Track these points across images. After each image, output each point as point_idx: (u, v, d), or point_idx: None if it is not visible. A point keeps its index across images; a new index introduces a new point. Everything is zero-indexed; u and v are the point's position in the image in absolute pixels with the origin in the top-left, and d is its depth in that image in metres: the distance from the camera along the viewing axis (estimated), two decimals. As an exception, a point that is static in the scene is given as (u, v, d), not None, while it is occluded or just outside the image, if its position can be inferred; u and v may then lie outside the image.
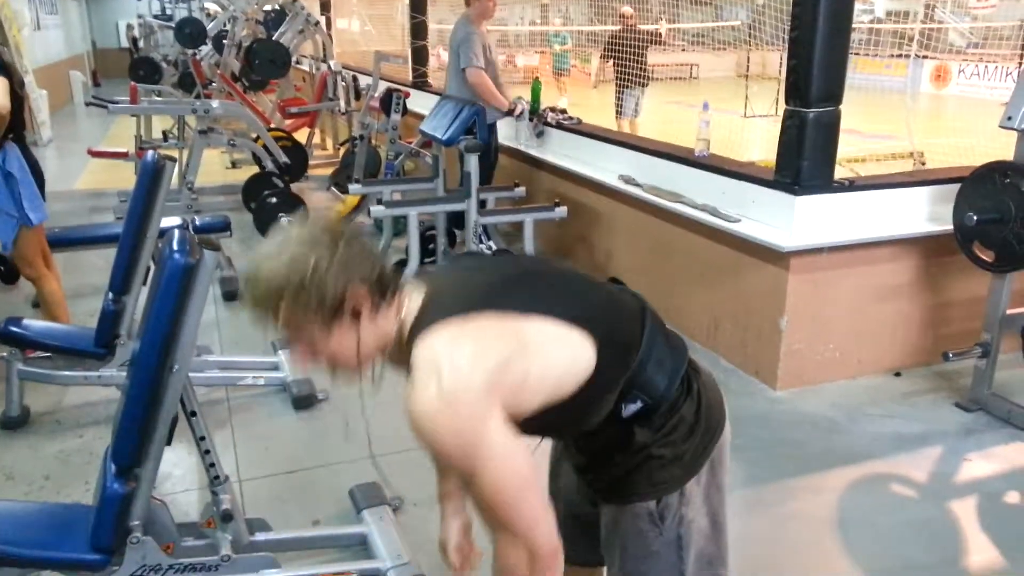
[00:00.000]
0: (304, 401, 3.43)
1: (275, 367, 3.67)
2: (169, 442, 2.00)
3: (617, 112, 9.26)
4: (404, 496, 2.73)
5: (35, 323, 3.34)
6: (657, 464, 1.35)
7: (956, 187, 3.30)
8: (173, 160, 3.27)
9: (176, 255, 1.84)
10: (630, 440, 1.35)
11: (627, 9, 9.97)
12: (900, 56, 15.77)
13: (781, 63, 13.90)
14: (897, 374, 3.69)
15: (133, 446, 1.90)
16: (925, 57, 16.36)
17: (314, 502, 2.76)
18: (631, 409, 1.33)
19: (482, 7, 5.12)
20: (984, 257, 3.19)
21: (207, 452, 2.12)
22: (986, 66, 16.34)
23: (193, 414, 2.08)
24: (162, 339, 1.86)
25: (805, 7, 3.21)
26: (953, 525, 2.66)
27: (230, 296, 4.79)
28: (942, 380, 3.62)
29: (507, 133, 5.81)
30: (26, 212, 3.55)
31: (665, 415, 1.35)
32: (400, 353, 1.27)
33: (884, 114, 9.11)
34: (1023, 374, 3.53)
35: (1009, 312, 3.23)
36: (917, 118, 10.50)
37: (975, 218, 3.12)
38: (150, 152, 3.24)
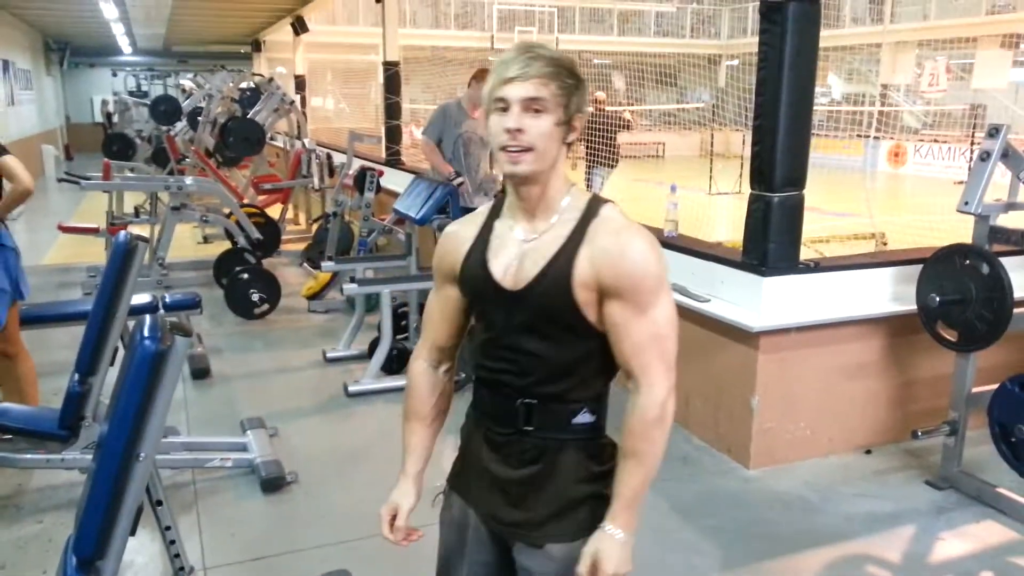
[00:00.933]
0: (272, 483, 3.36)
1: (243, 448, 3.61)
2: (133, 532, 1.94)
3: (587, 187, 9.46)
4: (375, 584, 2.66)
5: (-4, 405, 3.27)
6: (601, 502, 1.46)
7: (918, 268, 3.39)
8: (145, 240, 3.26)
9: (147, 341, 1.82)
10: (582, 463, 1.48)
11: (600, 94, 10.28)
12: (860, 136, 16.40)
13: (744, 142, 14.45)
14: (868, 452, 3.72)
15: (95, 538, 1.84)
16: (879, 138, 17.00)
17: (281, 591, 2.68)
18: (583, 419, 1.48)
19: (470, 94, 5.26)
20: (948, 337, 3.27)
21: (172, 542, 2.06)
22: (940, 146, 16.97)
23: (159, 503, 2.03)
24: (129, 428, 1.83)
25: (768, 96, 3.33)
26: (929, 608, 2.64)
27: (200, 374, 4.72)
28: (912, 457, 3.65)
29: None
30: (20, 286, 3.53)
31: (607, 449, 1.51)
32: (544, 199, 1.45)
33: (843, 192, 9.38)
34: (990, 450, 3.56)
35: (975, 390, 3.28)
36: (877, 196, 10.85)
37: (937, 299, 3.20)
38: (123, 232, 3.23)
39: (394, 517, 1.64)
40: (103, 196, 8.46)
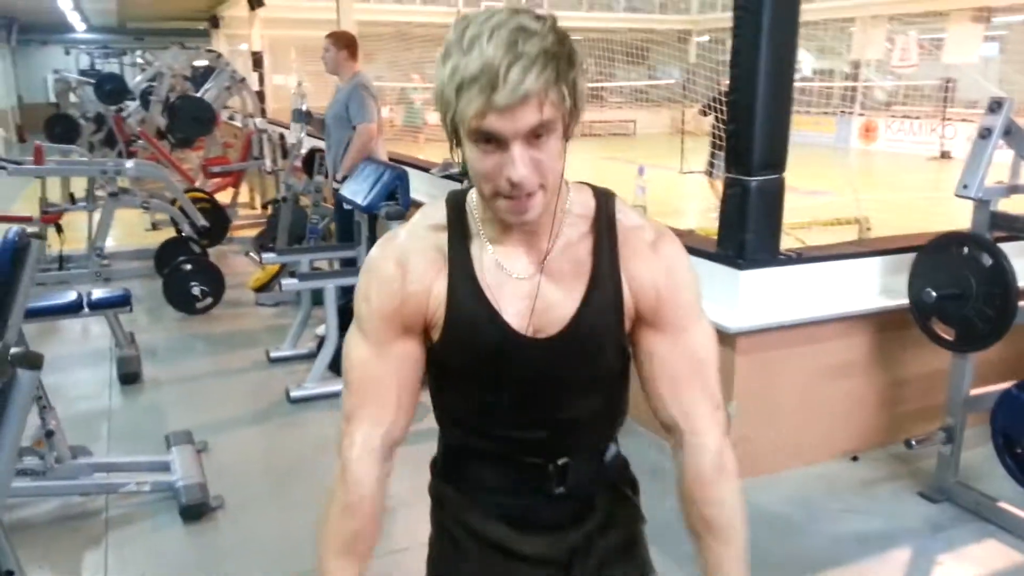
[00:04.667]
0: (194, 511, 2.98)
1: (165, 467, 3.22)
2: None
3: None
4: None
5: None
6: (644, 540, 1.32)
7: (909, 256, 3.08)
8: (41, 237, 2.84)
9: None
10: (623, 500, 1.28)
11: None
12: (831, 113, 16.16)
13: (713, 121, 14.06)
14: (854, 458, 3.42)
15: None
16: (851, 114, 16.80)
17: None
18: (612, 453, 1.27)
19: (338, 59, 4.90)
20: (944, 335, 2.96)
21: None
22: (911, 122, 16.80)
23: (9, 573, 1.66)
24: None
25: (743, 68, 2.98)
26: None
27: (128, 379, 4.31)
28: (902, 464, 3.35)
29: (439, 194, 5.51)
30: None
31: (629, 469, 1.31)
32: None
33: (817, 170, 9.12)
34: (986, 453, 3.27)
35: (973, 393, 2.98)
36: (852, 174, 10.62)
37: (934, 294, 2.89)
38: (13, 228, 2.81)
39: None
40: (54, 183, 7.95)
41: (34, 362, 1.53)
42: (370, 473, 1.14)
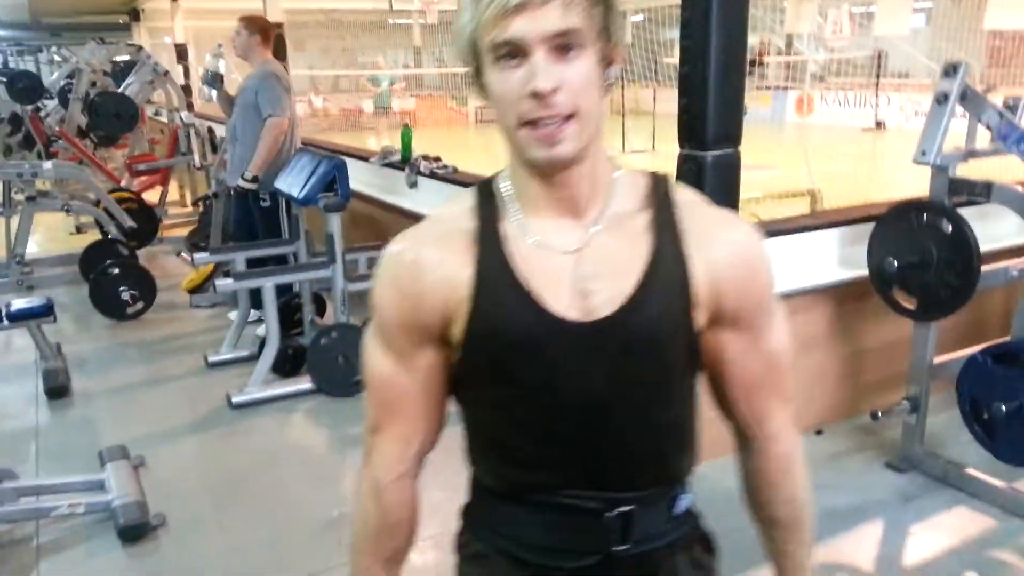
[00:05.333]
0: (133, 532, 2.77)
1: (100, 487, 2.99)
2: None
3: None
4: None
5: None
6: None
7: (867, 227, 3.02)
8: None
9: None
10: (700, 563, 1.08)
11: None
12: (769, 88, 16.33)
13: (654, 98, 14.08)
14: (819, 432, 3.36)
15: None
16: (786, 88, 17.01)
17: None
18: (684, 504, 1.05)
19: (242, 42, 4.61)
20: (906, 305, 2.90)
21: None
22: (845, 94, 17.08)
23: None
24: None
25: (695, 40, 2.87)
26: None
27: (56, 393, 4.03)
28: (867, 436, 3.31)
29: (378, 183, 5.32)
30: None
31: (708, 545, 1.11)
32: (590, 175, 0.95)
33: (759, 145, 9.14)
34: (951, 419, 3.25)
35: (937, 361, 2.94)
36: (792, 147, 10.71)
37: (895, 263, 2.83)
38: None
39: None
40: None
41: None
42: (406, 493, 1.05)
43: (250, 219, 4.63)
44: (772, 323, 1.01)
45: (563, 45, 0.86)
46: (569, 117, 0.87)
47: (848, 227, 3.28)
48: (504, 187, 0.98)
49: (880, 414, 2.96)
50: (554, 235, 0.94)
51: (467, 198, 0.99)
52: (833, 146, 12.77)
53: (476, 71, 0.91)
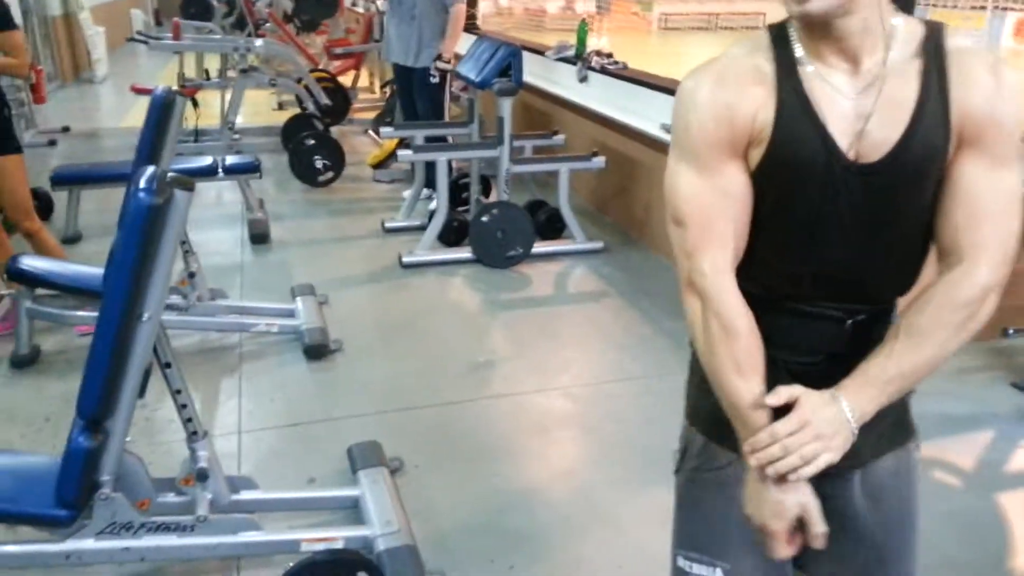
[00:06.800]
0: (316, 351, 3.31)
1: (291, 314, 3.56)
2: (142, 395, 1.88)
3: None
4: (404, 458, 2.59)
5: (43, 260, 3.27)
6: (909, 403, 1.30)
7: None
8: (185, 97, 3.11)
9: (142, 194, 1.69)
10: None
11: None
12: (984, 8, 14.85)
13: None
14: (951, 349, 3.40)
15: (100, 399, 1.79)
16: (1006, 9, 15.38)
17: (312, 459, 2.65)
18: (895, 314, 1.19)
19: None
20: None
21: (184, 406, 2.00)
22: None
23: (168, 365, 1.96)
24: (128, 285, 1.73)
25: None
26: (1000, 520, 2.42)
27: (258, 239, 4.68)
28: (999, 357, 3.33)
29: (551, 77, 5.55)
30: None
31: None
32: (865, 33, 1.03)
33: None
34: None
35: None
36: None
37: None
38: (160, 87, 3.09)
39: (795, 528, 1.13)
40: (190, 59, 8.41)
41: (187, 184, 1.77)
42: (733, 293, 1.12)
43: (411, 101, 5.14)
44: (1009, 164, 1.04)
45: None
46: None
47: None
48: (793, 35, 1.08)
49: (1012, 331, 2.98)
50: (838, 79, 1.05)
51: (759, 36, 1.09)
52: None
53: None
